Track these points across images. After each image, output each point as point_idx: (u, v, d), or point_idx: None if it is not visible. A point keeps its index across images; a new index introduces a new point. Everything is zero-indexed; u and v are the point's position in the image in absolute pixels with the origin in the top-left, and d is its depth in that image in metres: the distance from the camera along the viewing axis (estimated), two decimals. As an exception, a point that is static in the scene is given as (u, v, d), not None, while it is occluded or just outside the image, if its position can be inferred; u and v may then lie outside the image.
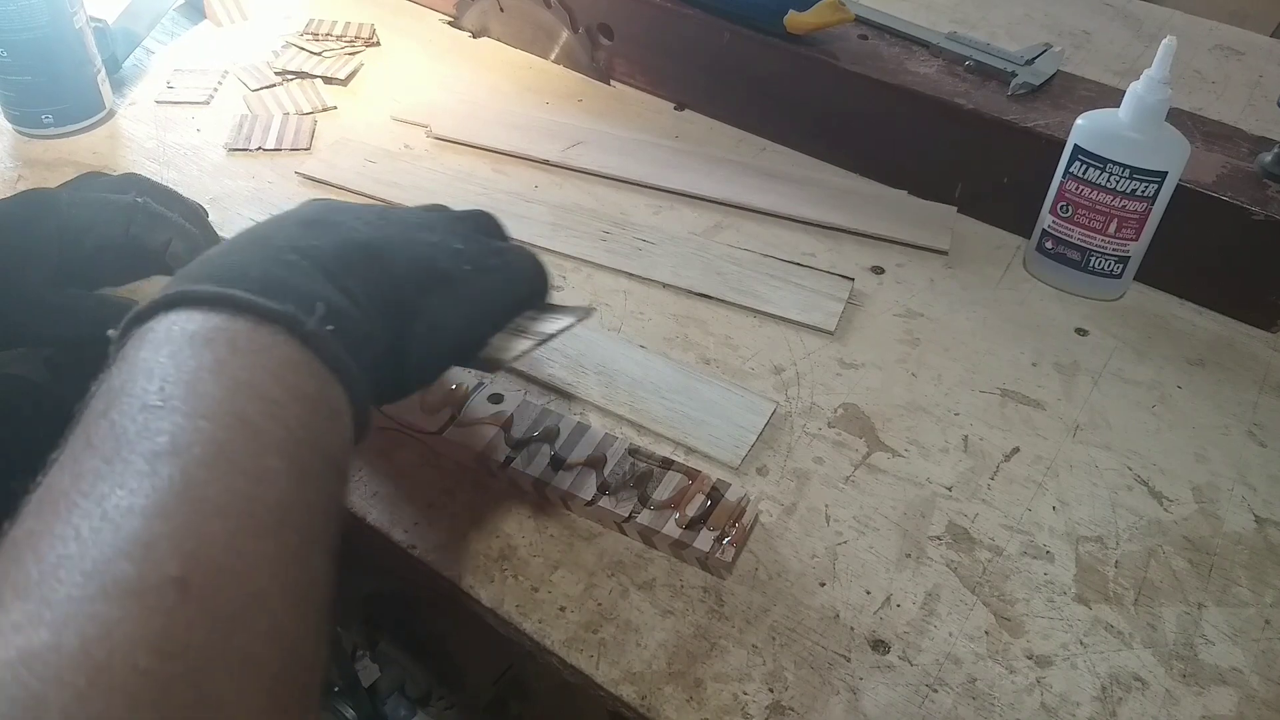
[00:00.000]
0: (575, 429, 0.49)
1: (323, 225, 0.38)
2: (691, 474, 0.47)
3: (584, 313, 0.46)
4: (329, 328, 0.33)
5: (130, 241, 0.54)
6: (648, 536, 0.46)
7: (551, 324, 0.44)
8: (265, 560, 0.27)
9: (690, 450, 0.51)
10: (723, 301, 0.61)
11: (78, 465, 0.28)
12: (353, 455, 0.34)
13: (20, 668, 0.22)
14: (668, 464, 0.48)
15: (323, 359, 0.32)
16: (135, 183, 0.58)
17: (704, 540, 0.45)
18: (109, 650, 0.23)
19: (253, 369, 0.31)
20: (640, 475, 0.47)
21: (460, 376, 0.52)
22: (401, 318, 0.38)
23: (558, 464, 0.48)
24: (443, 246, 0.41)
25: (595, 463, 0.48)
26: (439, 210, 0.46)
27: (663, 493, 0.46)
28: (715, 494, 0.46)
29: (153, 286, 0.56)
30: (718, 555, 0.44)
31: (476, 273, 0.41)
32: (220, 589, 0.26)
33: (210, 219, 0.63)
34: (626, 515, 0.46)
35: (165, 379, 0.29)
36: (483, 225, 0.47)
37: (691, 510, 0.45)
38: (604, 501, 0.46)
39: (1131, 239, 0.61)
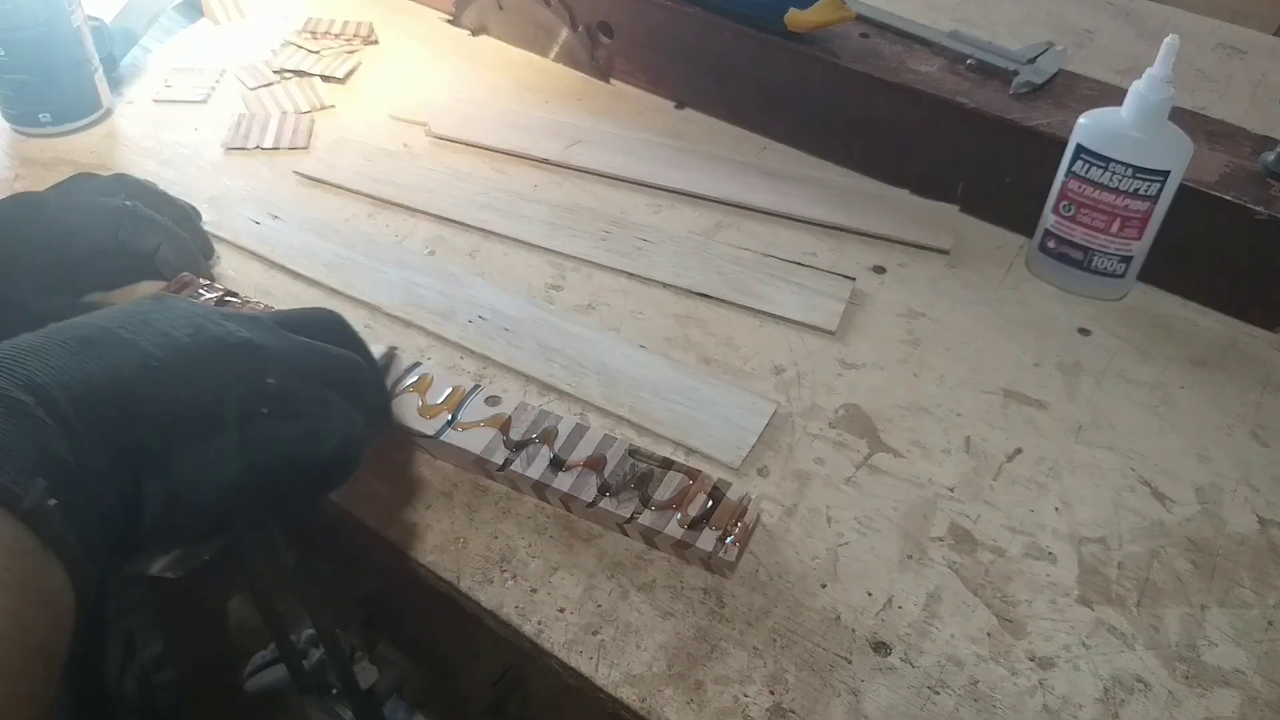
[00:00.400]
0: (574, 430, 0.49)
1: (100, 349, 0.34)
2: (692, 474, 0.47)
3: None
4: (51, 502, 0.30)
5: (119, 246, 0.53)
6: (650, 537, 0.46)
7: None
8: None
9: (691, 451, 0.51)
10: (723, 301, 0.61)
11: None
12: (70, 634, 0.31)
13: None
14: (668, 464, 0.47)
15: (42, 537, 0.30)
16: (125, 185, 0.57)
17: (707, 540, 0.44)
18: None
19: None
20: (641, 476, 0.47)
21: (457, 379, 0.52)
22: (143, 471, 0.34)
23: (557, 465, 0.47)
24: (249, 381, 0.37)
25: (595, 464, 0.47)
26: (294, 318, 0.42)
27: (664, 493, 0.46)
28: (716, 494, 0.46)
29: (141, 290, 0.55)
30: (721, 555, 0.44)
31: (272, 417, 0.37)
32: None
33: (207, 219, 0.63)
34: (628, 516, 0.45)
35: None
36: (333, 370, 0.41)
37: (693, 510, 0.45)
38: (605, 503, 0.46)
39: (1134, 238, 0.60)
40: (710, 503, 0.46)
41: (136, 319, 0.36)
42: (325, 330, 0.42)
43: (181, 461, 0.35)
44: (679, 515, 0.45)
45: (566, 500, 0.47)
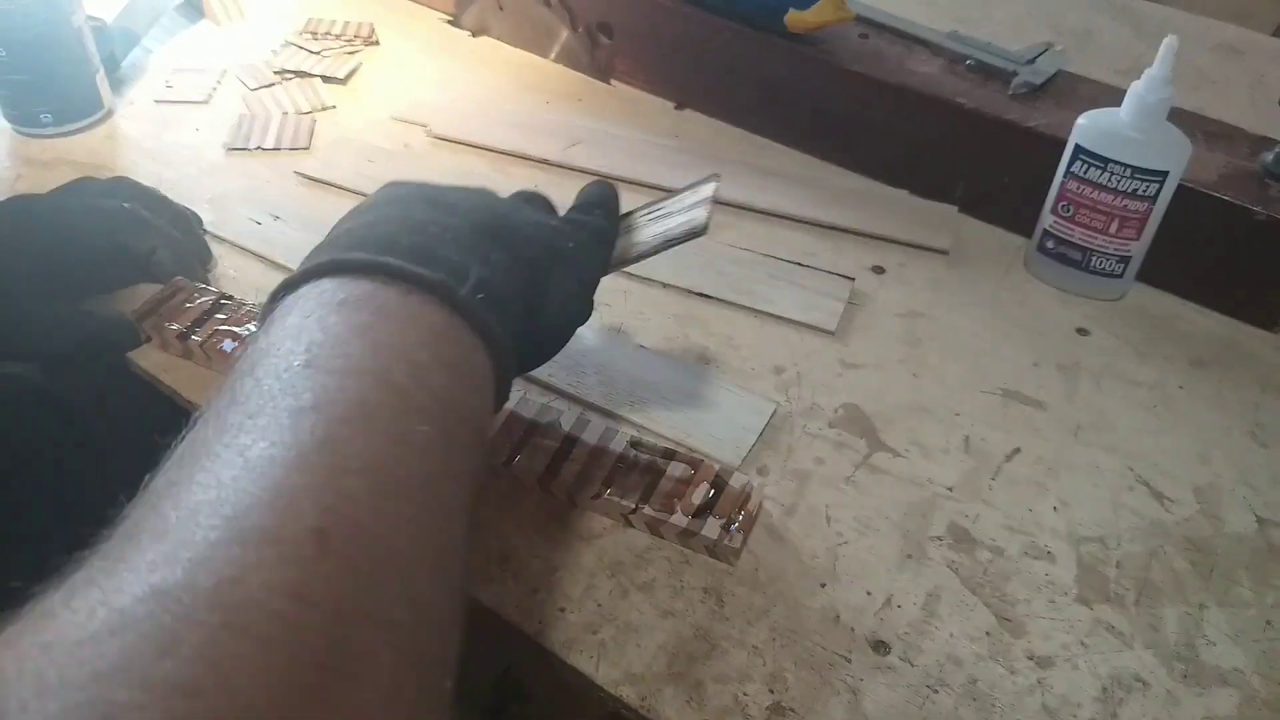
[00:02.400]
0: (576, 423, 0.49)
1: (445, 203, 0.39)
2: (695, 463, 0.47)
3: (710, 182, 0.48)
4: (479, 296, 0.34)
5: (115, 248, 0.53)
6: (655, 527, 0.46)
7: (679, 216, 0.47)
8: (404, 522, 0.27)
9: (691, 451, 0.51)
10: (723, 301, 0.61)
11: (221, 419, 0.28)
12: (490, 416, 0.34)
13: (153, 604, 0.22)
14: (670, 454, 0.48)
15: (472, 326, 0.33)
16: (124, 188, 0.57)
17: (712, 528, 0.45)
18: (244, 592, 0.23)
19: (401, 333, 0.31)
20: (644, 466, 0.47)
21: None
22: (533, 290, 0.39)
23: (560, 459, 0.48)
24: (546, 225, 0.42)
25: (598, 456, 0.48)
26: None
27: (667, 483, 0.47)
28: (719, 482, 0.46)
29: (139, 294, 0.55)
30: (726, 542, 0.44)
31: (577, 248, 0.43)
32: (358, 545, 0.25)
33: (207, 219, 0.63)
34: (633, 507, 0.46)
35: (312, 341, 0.29)
36: (542, 204, 0.48)
37: (697, 499, 0.46)
38: (610, 494, 0.46)
39: (1133, 239, 0.60)
40: (713, 492, 0.46)
41: (428, 189, 0.40)
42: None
43: (555, 281, 0.41)
44: (683, 504, 0.46)
45: (571, 493, 0.47)
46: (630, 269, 0.63)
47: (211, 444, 0.27)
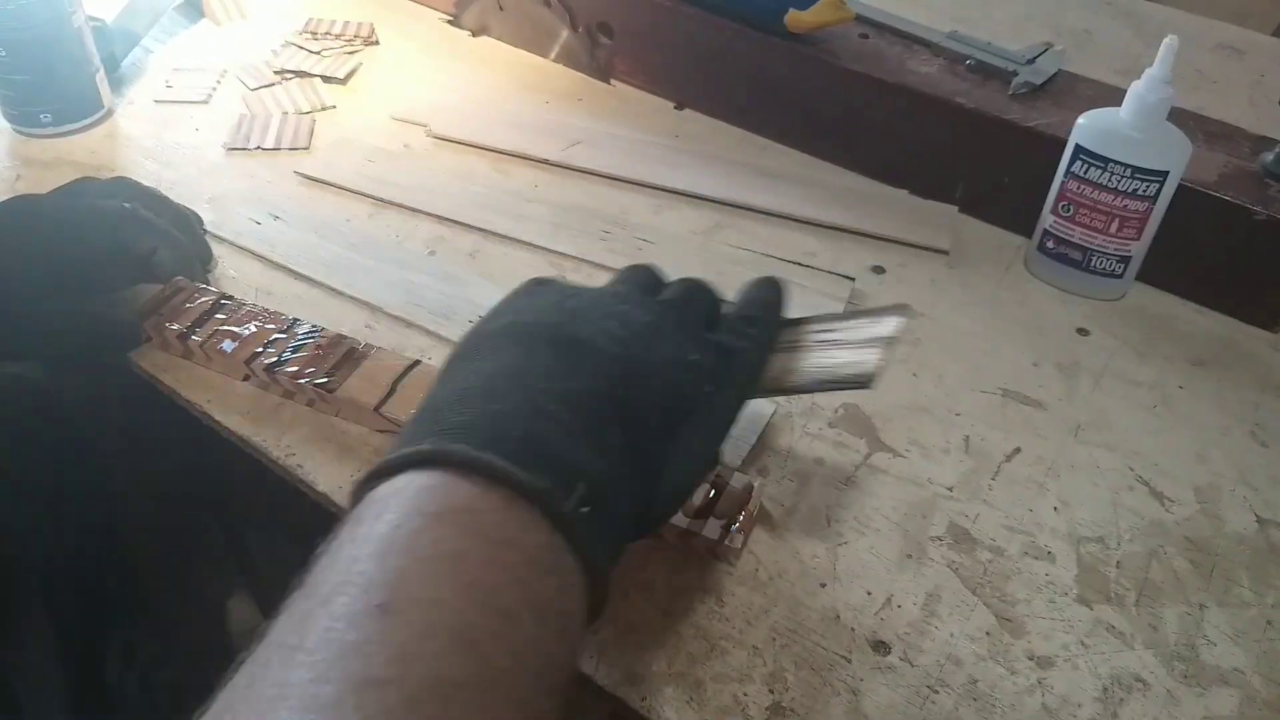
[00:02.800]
0: None
1: (572, 347, 0.36)
2: None
3: (899, 313, 0.42)
4: (584, 510, 0.31)
5: (116, 248, 0.53)
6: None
7: (852, 352, 0.41)
8: None
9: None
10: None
11: (285, 672, 0.25)
12: (575, 659, 0.32)
13: None
14: None
15: (572, 546, 0.30)
16: (125, 188, 0.57)
17: (712, 529, 0.45)
18: None
19: (494, 569, 0.28)
20: None
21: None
22: (653, 458, 0.36)
23: None
24: (682, 363, 0.38)
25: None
26: (663, 296, 0.43)
27: None
28: (720, 483, 0.46)
29: (141, 294, 0.55)
30: (727, 543, 0.44)
31: (716, 390, 0.39)
32: None
33: (208, 219, 0.63)
34: None
35: (398, 572, 0.27)
36: (700, 310, 0.43)
37: (697, 499, 0.46)
38: None
39: (1133, 239, 0.60)
40: (713, 492, 0.46)
41: (560, 314, 0.37)
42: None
43: (681, 442, 0.37)
44: (684, 505, 0.45)
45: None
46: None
47: (275, 702, 0.24)
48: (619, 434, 0.34)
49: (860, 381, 0.41)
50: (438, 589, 0.27)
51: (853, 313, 0.44)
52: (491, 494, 0.29)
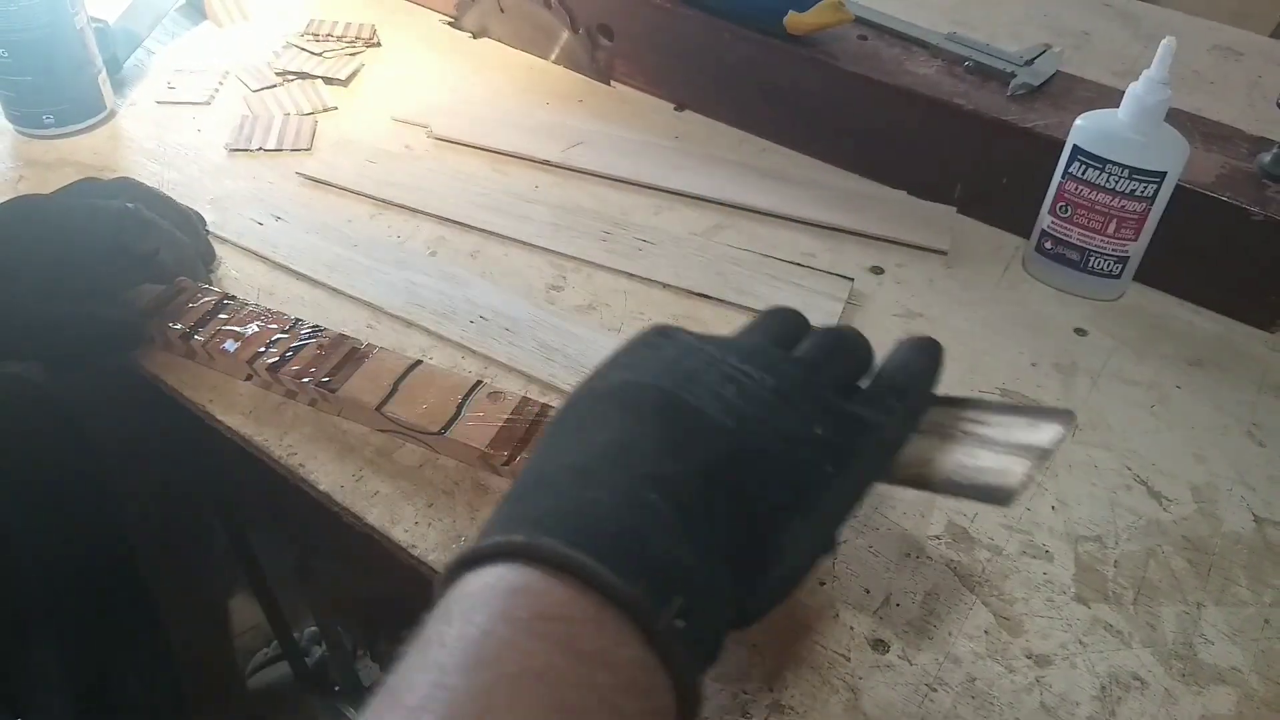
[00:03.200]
0: None
1: (681, 418, 0.32)
2: None
3: (1065, 420, 0.37)
4: (680, 624, 0.28)
5: (119, 249, 0.53)
6: None
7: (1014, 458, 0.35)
8: None
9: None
10: (723, 301, 0.61)
11: None
12: None
13: None
14: None
15: (665, 664, 0.28)
16: (128, 188, 0.58)
17: None
18: None
19: (585, 693, 0.27)
20: None
21: (462, 374, 0.52)
22: (758, 551, 0.32)
23: None
24: (804, 440, 0.33)
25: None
26: (798, 357, 0.38)
27: None
28: None
29: (143, 294, 0.56)
30: None
31: (837, 472, 0.34)
32: None
33: (210, 220, 0.64)
34: None
35: (488, 692, 0.26)
36: (838, 371, 0.38)
37: None
38: None
39: (1130, 239, 0.61)
40: None
41: (675, 377, 0.34)
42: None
43: (789, 539, 0.32)
44: None
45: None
46: (631, 270, 0.63)
47: None
48: (724, 526, 0.31)
49: (998, 497, 0.35)
50: (528, 713, 0.26)
51: (1012, 406, 0.39)
52: (585, 599, 0.28)
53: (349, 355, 0.52)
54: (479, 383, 0.51)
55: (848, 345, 0.39)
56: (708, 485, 0.31)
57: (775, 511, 0.32)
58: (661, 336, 0.37)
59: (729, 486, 0.32)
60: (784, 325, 0.40)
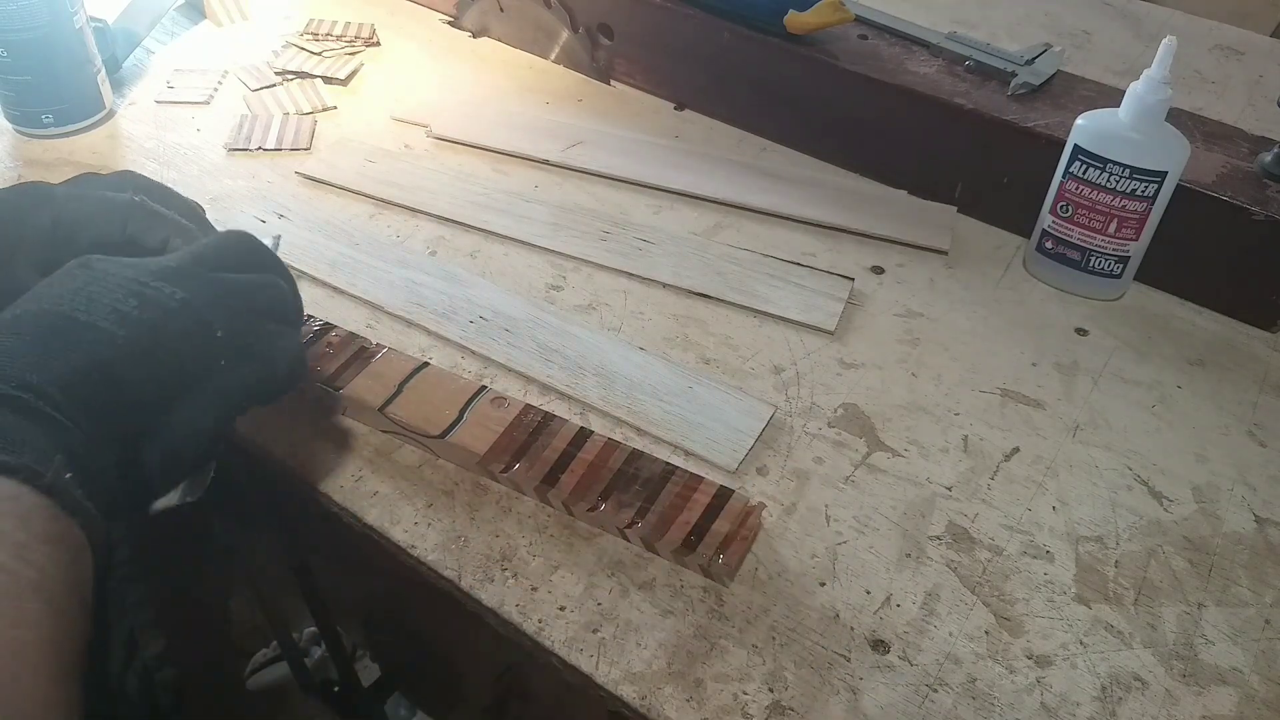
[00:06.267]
0: (577, 435, 0.49)
1: (67, 336, 0.38)
2: (694, 481, 0.47)
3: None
4: (67, 475, 0.34)
5: (127, 240, 0.53)
6: (650, 544, 0.46)
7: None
8: (30, 699, 0.29)
9: (688, 454, 0.51)
10: (723, 301, 0.61)
11: None
12: (90, 583, 0.35)
13: None
14: (670, 471, 0.47)
15: (62, 505, 0.34)
16: (132, 181, 0.58)
17: (707, 547, 0.44)
18: None
19: (1, 517, 0.32)
20: (642, 481, 0.47)
21: (467, 378, 0.52)
22: (138, 436, 0.39)
23: (559, 470, 0.47)
24: (200, 338, 0.41)
25: (597, 469, 0.47)
26: (211, 250, 0.45)
27: (665, 499, 0.46)
28: (718, 501, 0.46)
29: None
30: (720, 563, 0.44)
31: (231, 365, 0.41)
32: None
33: (209, 218, 0.63)
34: (628, 522, 0.45)
35: None
36: (258, 299, 0.45)
37: (694, 517, 0.45)
38: (605, 508, 0.46)
39: (1131, 239, 0.61)
40: (711, 510, 0.46)
41: (83, 298, 0.40)
42: (239, 254, 0.46)
43: (168, 423, 0.39)
44: (679, 523, 0.45)
45: (568, 504, 0.47)
46: (630, 270, 0.63)
47: None
48: (91, 417, 0.37)
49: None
50: None
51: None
52: None
53: (357, 354, 0.52)
54: (483, 388, 0.51)
55: (269, 285, 0.46)
56: (80, 385, 0.37)
57: (161, 396, 0.39)
58: (81, 268, 0.42)
59: (102, 386, 0.38)
60: (216, 255, 0.46)
